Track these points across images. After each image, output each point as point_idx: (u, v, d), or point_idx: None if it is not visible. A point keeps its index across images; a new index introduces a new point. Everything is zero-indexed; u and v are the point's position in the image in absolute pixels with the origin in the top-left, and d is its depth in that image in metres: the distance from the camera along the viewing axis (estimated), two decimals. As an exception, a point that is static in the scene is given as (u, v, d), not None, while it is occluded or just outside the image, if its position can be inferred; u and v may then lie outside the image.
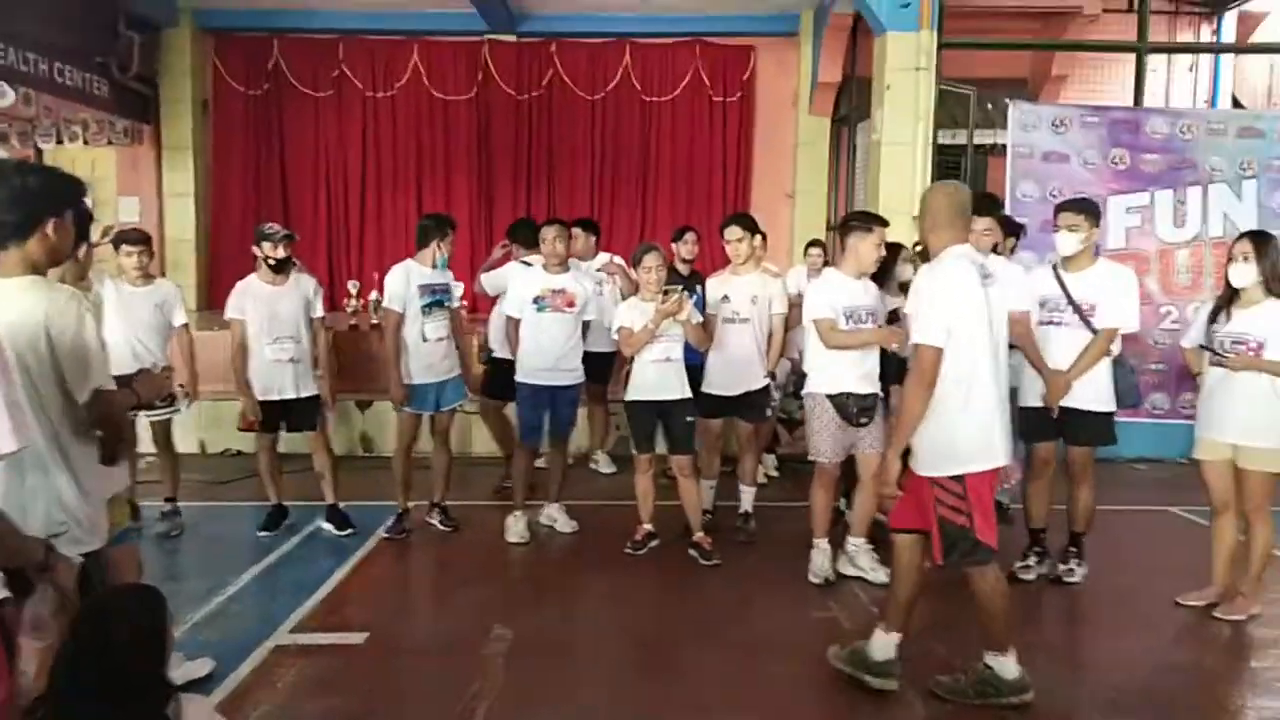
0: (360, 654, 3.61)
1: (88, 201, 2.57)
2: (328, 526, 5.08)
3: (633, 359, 4.62)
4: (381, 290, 5.27)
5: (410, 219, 9.66)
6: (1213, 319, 4.00)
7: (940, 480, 3.03)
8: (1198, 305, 4.58)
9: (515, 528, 4.98)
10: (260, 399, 4.89)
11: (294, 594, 4.17)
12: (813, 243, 7.33)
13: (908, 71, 6.90)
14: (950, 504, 3.01)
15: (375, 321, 7.53)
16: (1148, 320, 6.61)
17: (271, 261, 4.87)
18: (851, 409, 4.16)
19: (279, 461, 5.15)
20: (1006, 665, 3.15)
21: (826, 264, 6.97)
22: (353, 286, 8.08)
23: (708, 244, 6.87)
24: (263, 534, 5.01)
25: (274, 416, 4.97)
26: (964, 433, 3.00)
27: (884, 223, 4.25)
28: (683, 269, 5.66)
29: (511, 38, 9.79)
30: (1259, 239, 3.91)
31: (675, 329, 4.55)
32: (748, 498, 5.13)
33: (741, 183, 10.09)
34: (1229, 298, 3.96)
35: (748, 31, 9.79)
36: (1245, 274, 3.87)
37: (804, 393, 4.29)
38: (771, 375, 5.14)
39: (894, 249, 4.62)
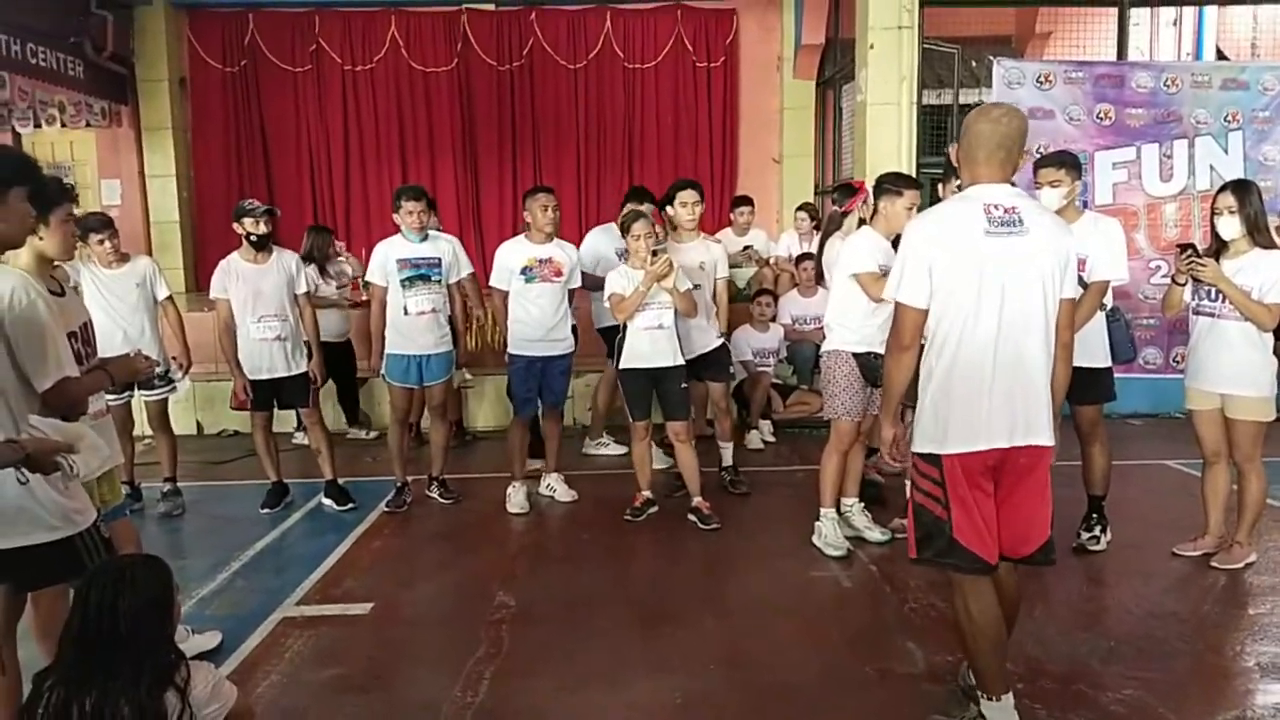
0: (365, 624, 3.65)
1: (63, 179, 2.53)
2: (328, 502, 5.10)
3: (625, 327, 4.61)
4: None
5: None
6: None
7: (917, 458, 2.63)
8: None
9: (515, 498, 5.00)
10: (250, 378, 4.89)
11: (298, 568, 4.20)
12: (801, 206, 7.32)
13: (890, 30, 6.86)
14: (925, 488, 2.59)
15: (365, 298, 7.52)
16: (1137, 275, 6.65)
17: (253, 238, 4.84)
18: (876, 369, 4.17)
19: (275, 439, 5.16)
20: (1003, 712, 2.61)
21: (816, 227, 7.00)
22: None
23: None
24: (265, 511, 5.02)
25: (265, 395, 4.96)
26: (944, 406, 2.55)
27: (917, 184, 4.25)
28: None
29: (490, 6, 9.69)
30: (1240, 189, 3.92)
31: (666, 296, 4.55)
32: (727, 452, 5.31)
33: (729, 149, 10.06)
34: (1217, 250, 3.99)
35: (730, -6, 9.72)
36: (1231, 226, 3.89)
37: (826, 350, 4.27)
38: (726, 336, 5.21)
39: None
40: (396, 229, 4.97)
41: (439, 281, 4.97)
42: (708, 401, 5.41)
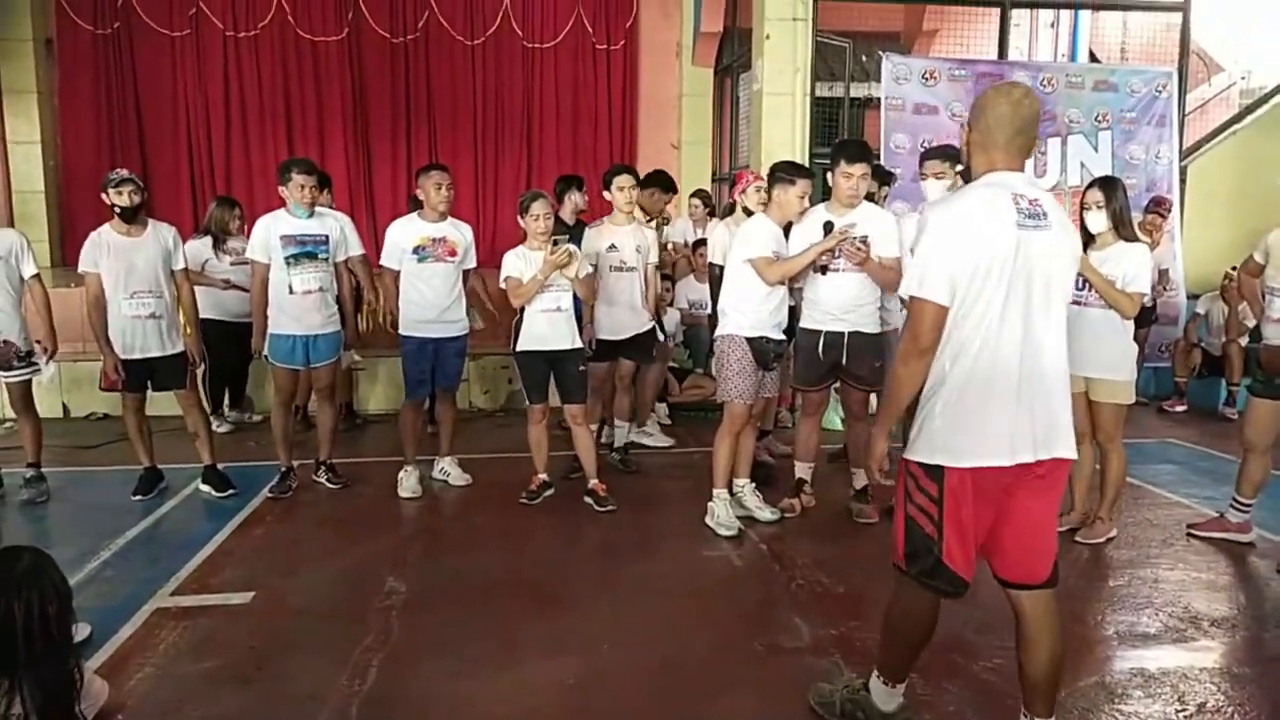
0: (246, 613, 3.51)
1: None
2: (206, 488, 4.89)
3: (523, 309, 4.57)
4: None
5: (281, 168, 9.25)
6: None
7: (913, 466, 2.39)
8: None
9: (407, 483, 4.91)
10: (122, 357, 4.63)
11: (173, 556, 4.01)
12: (696, 192, 7.39)
13: (786, 22, 6.98)
14: (920, 503, 2.37)
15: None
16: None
17: (118, 209, 4.59)
18: (769, 353, 4.25)
19: (147, 422, 4.91)
20: (890, 697, 2.65)
21: (710, 214, 7.08)
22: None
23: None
24: (136, 498, 4.77)
25: (138, 375, 4.71)
26: (953, 412, 2.29)
27: (809, 174, 4.32)
28: (569, 220, 5.64)
29: (384, -24, 9.40)
30: (1106, 186, 4.16)
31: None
32: (621, 433, 5.41)
33: (628, 133, 10.07)
34: (1085, 242, 4.21)
35: (630, -23, 9.71)
36: (1098, 220, 4.12)
37: (720, 335, 4.32)
38: (657, 319, 5.28)
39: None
40: (281, 204, 4.78)
41: (326, 259, 4.80)
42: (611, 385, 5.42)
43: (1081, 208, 4.20)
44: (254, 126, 9.45)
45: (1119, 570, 4.02)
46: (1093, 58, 10.20)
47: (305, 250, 4.71)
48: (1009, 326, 2.27)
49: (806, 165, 4.45)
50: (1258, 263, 4.06)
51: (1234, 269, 6.90)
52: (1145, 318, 4.32)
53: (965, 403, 2.29)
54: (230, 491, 4.87)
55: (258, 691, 2.95)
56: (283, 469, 4.94)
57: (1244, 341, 7.06)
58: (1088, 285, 4.09)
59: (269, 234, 4.68)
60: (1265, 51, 10.25)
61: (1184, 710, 2.82)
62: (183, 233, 5.13)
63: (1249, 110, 8.85)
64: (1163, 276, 6.86)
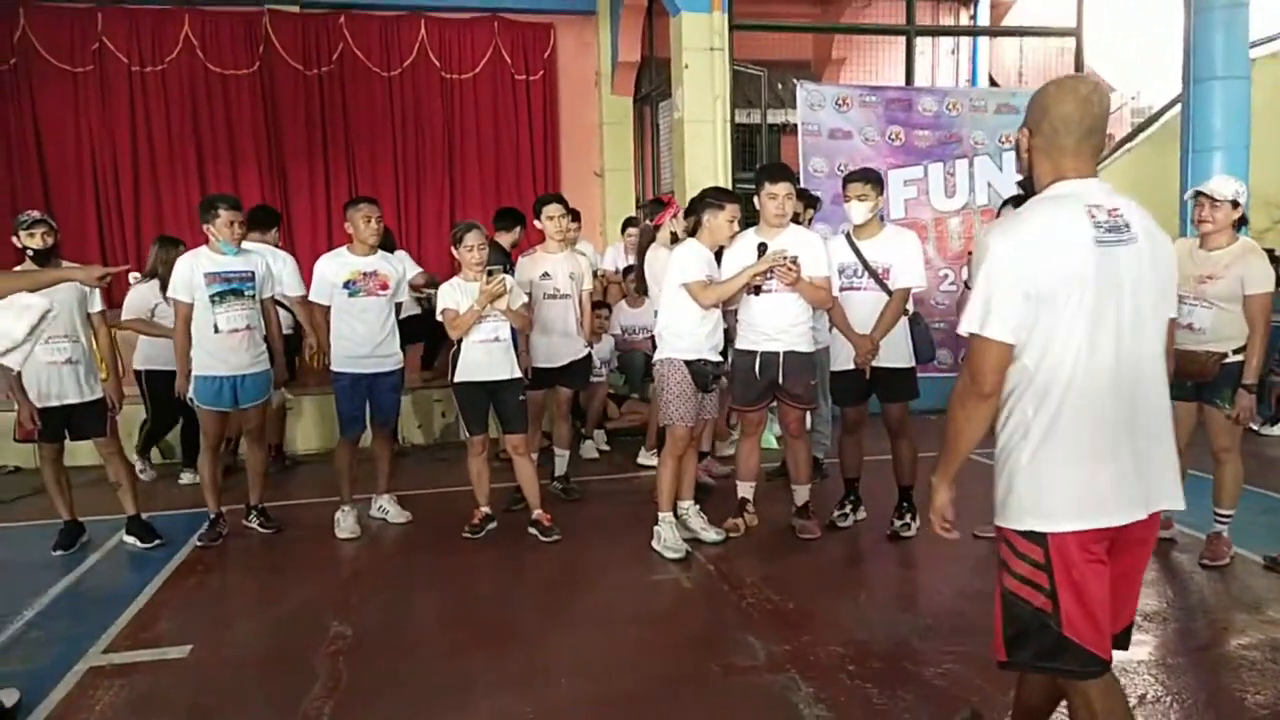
0: (184, 669, 3.37)
1: None
2: (130, 539, 4.69)
3: (460, 341, 4.54)
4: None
5: (193, 205, 8.96)
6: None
7: (1009, 535, 2.05)
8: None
9: (345, 523, 4.80)
10: (39, 405, 4.42)
11: (102, 612, 3.83)
12: (629, 221, 7.48)
13: (703, 52, 7.16)
14: (1021, 572, 2.02)
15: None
16: (929, 284, 7.24)
17: (30, 252, 4.41)
18: (708, 376, 4.30)
19: (66, 473, 4.70)
20: None
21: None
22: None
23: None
24: (58, 553, 4.55)
25: (55, 424, 4.50)
26: (1049, 471, 1.98)
27: (736, 199, 4.40)
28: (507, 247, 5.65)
29: (295, 8, 9.29)
30: (1019, 204, 4.35)
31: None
32: (562, 462, 5.44)
33: (550, 162, 10.10)
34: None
35: (546, 9, 9.81)
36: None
37: (659, 358, 4.36)
38: (589, 346, 5.33)
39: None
40: (196, 245, 4.66)
41: (252, 296, 4.69)
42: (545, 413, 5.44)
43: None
44: (163, 163, 9.16)
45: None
46: (992, 82, 10.70)
47: (231, 288, 4.59)
48: (1100, 361, 1.95)
49: (732, 190, 4.55)
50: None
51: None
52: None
53: (1057, 457, 1.97)
54: (157, 542, 4.68)
55: (205, 749, 2.84)
56: (211, 515, 4.77)
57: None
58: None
59: (193, 272, 4.55)
60: (1152, 73, 10.92)
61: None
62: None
63: (1141, 128, 9.41)
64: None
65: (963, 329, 2.03)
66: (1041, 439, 1.98)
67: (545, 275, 5.05)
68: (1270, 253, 5.04)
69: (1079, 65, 8.37)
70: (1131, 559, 2.09)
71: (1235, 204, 3.99)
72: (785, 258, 4.21)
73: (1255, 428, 6.61)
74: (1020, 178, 2.23)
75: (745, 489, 4.71)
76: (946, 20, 10.71)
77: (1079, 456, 1.97)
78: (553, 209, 5.03)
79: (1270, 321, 3.95)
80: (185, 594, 4.13)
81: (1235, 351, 3.96)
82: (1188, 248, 4.13)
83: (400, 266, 5.01)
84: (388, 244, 5.28)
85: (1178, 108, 8.02)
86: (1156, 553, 4.29)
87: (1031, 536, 2.00)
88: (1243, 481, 4.17)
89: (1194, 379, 4.06)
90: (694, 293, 4.23)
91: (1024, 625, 2.03)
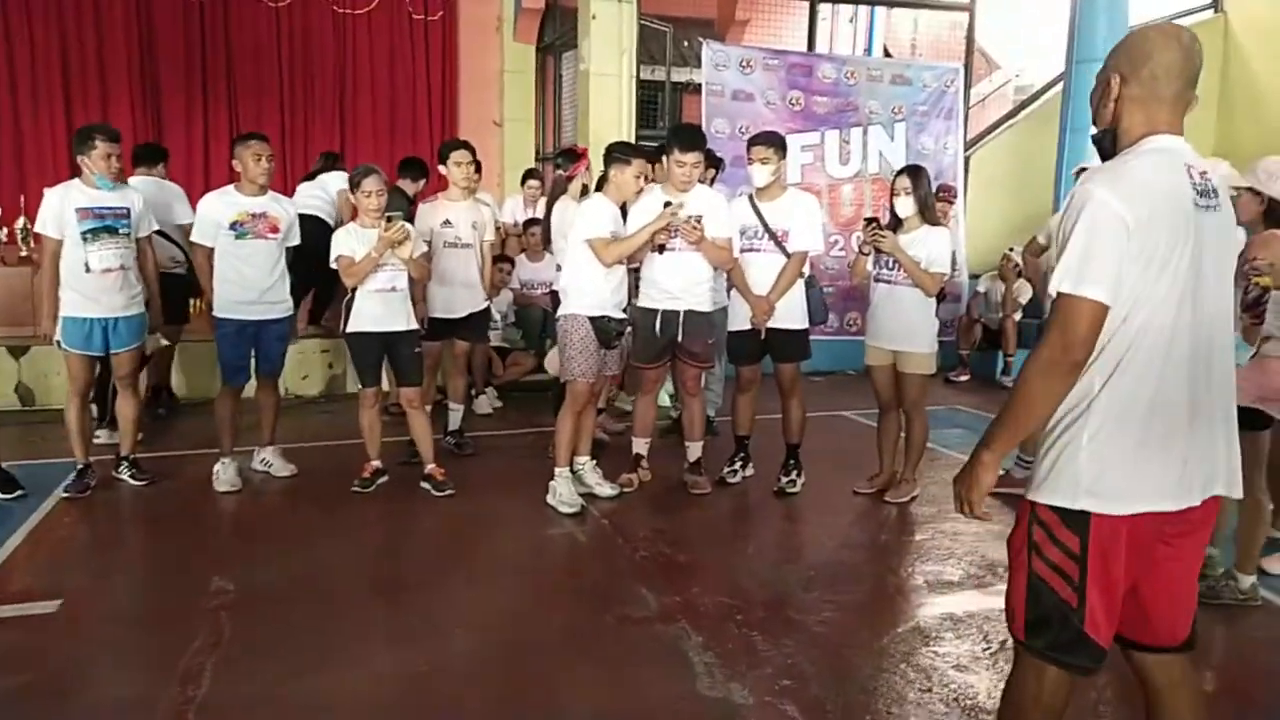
0: (53, 623, 3.21)
1: None
2: (-11, 491, 4.41)
3: (354, 289, 4.40)
4: (32, 218, 4.61)
5: (59, 135, 8.38)
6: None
7: (1045, 512, 1.87)
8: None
9: (225, 475, 4.62)
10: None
11: (-41, 569, 3.61)
12: (529, 173, 7.36)
13: (611, 3, 7.05)
14: (1053, 558, 1.86)
15: (25, 254, 6.52)
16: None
17: None
18: (611, 332, 4.30)
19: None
20: None
21: (541, 193, 7.08)
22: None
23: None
24: (-95, 506, 4.25)
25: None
26: (1109, 445, 1.80)
27: (643, 153, 4.38)
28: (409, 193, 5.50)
29: (175, -70, 8.65)
30: (914, 173, 4.52)
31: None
32: (456, 416, 5.38)
33: (448, 109, 9.82)
34: (894, 226, 4.56)
35: (447, -52, 9.45)
36: (906, 205, 4.47)
37: (563, 314, 4.34)
38: (489, 299, 5.27)
39: None
40: (60, 178, 4.35)
41: (127, 234, 4.42)
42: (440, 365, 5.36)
43: (891, 193, 4.54)
44: (24, 88, 8.43)
45: (923, 525, 4.40)
46: (886, 53, 10.94)
47: (105, 225, 4.32)
48: (1180, 333, 1.80)
49: (644, 146, 4.54)
50: (1040, 244, 4.52)
51: (1011, 250, 7.68)
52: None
53: (1126, 432, 1.80)
54: (18, 493, 4.41)
55: (75, 707, 2.72)
56: (80, 465, 4.52)
57: (1018, 317, 7.87)
58: (898, 266, 4.43)
59: (62, 207, 4.25)
60: (1035, 52, 11.35)
61: (989, 648, 3.15)
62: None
63: (1023, 106, 9.81)
64: (949, 259, 7.52)
65: (1053, 288, 1.79)
66: (1109, 413, 1.80)
67: (446, 223, 4.94)
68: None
69: (970, 41, 8.65)
70: (1190, 546, 1.92)
71: None
72: (690, 218, 4.24)
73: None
74: (1096, 131, 1.96)
75: (640, 445, 4.77)
76: (847, -12, 10.84)
77: (1147, 437, 1.80)
78: (461, 155, 4.91)
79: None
80: (52, 547, 3.92)
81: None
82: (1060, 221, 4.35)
83: (291, 210, 4.78)
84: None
85: (1059, 87, 8.40)
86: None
87: (1073, 522, 1.83)
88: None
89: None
90: (596, 249, 4.22)
91: (1046, 613, 1.88)
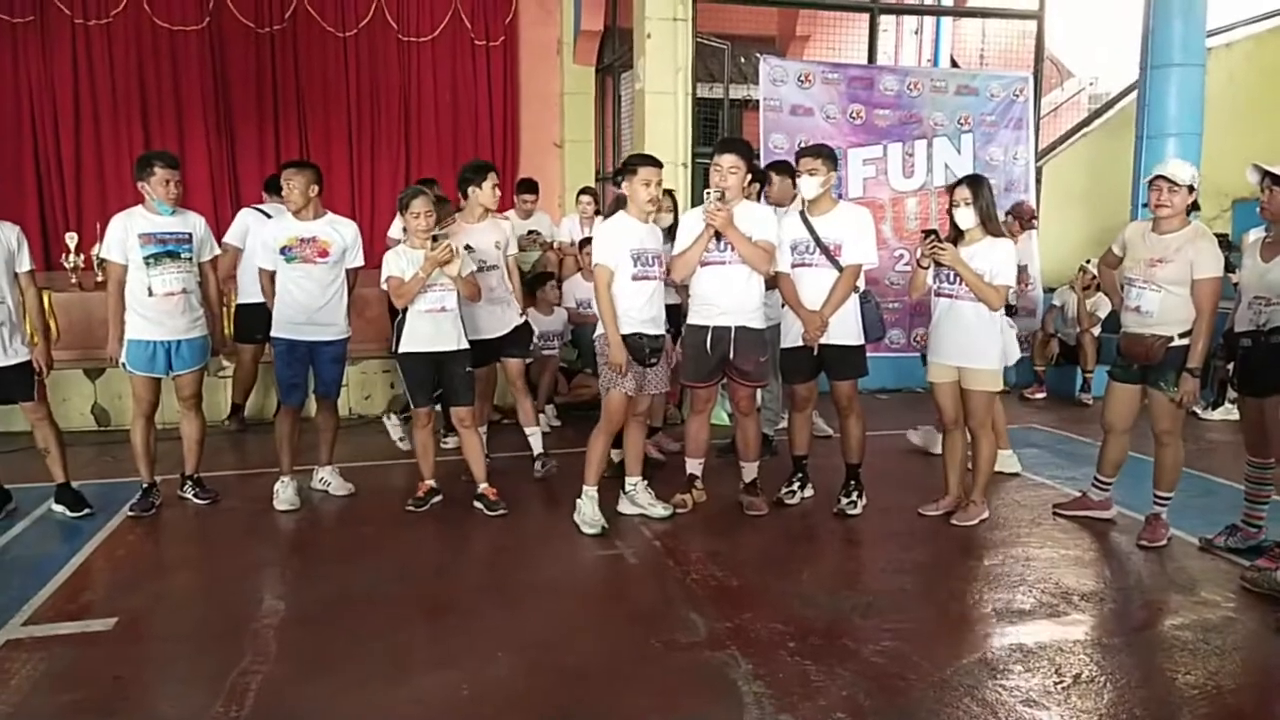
0: (109, 641, 3.26)
1: None
2: (59, 508, 4.53)
3: (405, 310, 4.42)
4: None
5: (137, 164, 8.71)
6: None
7: None
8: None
9: (284, 494, 4.68)
10: (-38, 369, 4.25)
11: (25, 583, 3.69)
12: (584, 190, 7.36)
13: (666, 22, 7.03)
14: None
15: (101, 279, 6.76)
16: (884, 263, 7.25)
17: None
18: (644, 349, 4.23)
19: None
20: None
21: (597, 212, 7.06)
22: (70, 240, 7.14)
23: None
24: (-22, 522, 4.40)
25: (-21, 387, 4.33)
26: None
27: (651, 161, 4.28)
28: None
29: (246, -36, 8.98)
30: (974, 184, 4.35)
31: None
32: (535, 439, 5.23)
33: (510, 131, 9.95)
34: (955, 238, 4.39)
35: (507, -27, 9.59)
36: (967, 216, 4.31)
37: (599, 332, 4.29)
38: (523, 314, 5.20)
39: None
40: (138, 201, 4.49)
41: (189, 259, 4.52)
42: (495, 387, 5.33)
43: (950, 205, 4.38)
44: (106, 120, 8.85)
45: (993, 550, 4.20)
46: (953, 63, 10.70)
47: (167, 249, 4.43)
48: None
49: (654, 156, 4.43)
50: (1116, 255, 4.31)
51: (1087, 263, 7.37)
52: (1006, 310, 4.55)
53: None
54: (86, 511, 4.53)
55: (124, 724, 2.75)
56: (144, 485, 4.63)
57: (1096, 331, 7.54)
58: (959, 279, 4.26)
59: (126, 232, 4.38)
60: (1109, 59, 10.99)
61: (1061, 681, 2.96)
62: (29, 233, 4.75)
63: (1097, 114, 9.48)
64: (1021, 273, 7.23)
65: None
66: None
67: (468, 248, 4.89)
68: (1222, 238, 5.09)
69: (1040, 48, 8.39)
70: None
71: (1191, 189, 4.01)
72: (712, 196, 4.13)
73: (1198, 412, 6.72)
74: None
75: (694, 465, 4.67)
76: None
77: None
78: (495, 177, 4.88)
79: (1217, 306, 3.97)
80: (114, 565, 4.00)
81: (1181, 335, 3.99)
82: (1140, 231, 4.15)
83: (349, 233, 4.82)
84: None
85: (1134, 94, 8.08)
86: (1095, 533, 4.38)
87: None
88: (1182, 465, 4.21)
89: (1140, 361, 4.10)
90: (595, 278, 4.22)
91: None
